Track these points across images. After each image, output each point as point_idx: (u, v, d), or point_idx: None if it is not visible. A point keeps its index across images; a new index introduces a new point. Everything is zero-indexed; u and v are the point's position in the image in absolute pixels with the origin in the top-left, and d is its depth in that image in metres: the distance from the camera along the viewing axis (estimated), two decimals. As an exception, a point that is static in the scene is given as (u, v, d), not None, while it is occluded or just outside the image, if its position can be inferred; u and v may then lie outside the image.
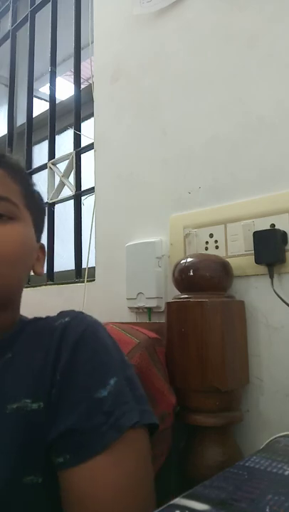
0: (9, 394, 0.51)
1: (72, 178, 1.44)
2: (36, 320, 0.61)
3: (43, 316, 0.62)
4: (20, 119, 1.88)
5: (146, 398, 0.55)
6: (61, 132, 1.65)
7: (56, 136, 1.60)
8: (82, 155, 1.44)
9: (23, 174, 0.62)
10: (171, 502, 0.34)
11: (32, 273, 0.62)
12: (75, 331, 0.54)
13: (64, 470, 0.47)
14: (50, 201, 1.50)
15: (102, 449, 0.46)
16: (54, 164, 1.53)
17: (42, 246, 0.66)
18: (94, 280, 1.16)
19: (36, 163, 1.67)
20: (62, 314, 0.60)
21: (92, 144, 1.26)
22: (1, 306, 0.56)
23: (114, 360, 0.54)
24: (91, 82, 1.28)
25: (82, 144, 1.43)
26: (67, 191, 1.46)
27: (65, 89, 1.88)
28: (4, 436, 0.49)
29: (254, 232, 0.81)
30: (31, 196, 0.61)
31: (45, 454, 0.49)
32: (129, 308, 1.02)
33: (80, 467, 0.46)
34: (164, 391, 0.74)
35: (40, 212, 0.65)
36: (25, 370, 0.53)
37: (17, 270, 0.54)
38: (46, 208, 0.69)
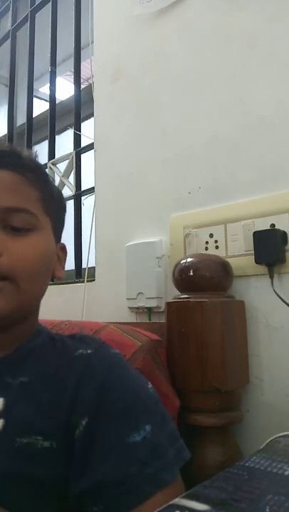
0: (20, 426, 0.48)
1: (72, 178, 1.44)
2: (54, 339, 0.58)
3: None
4: (20, 119, 1.88)
5: (177, 433, 0.53)
6: (61, 132, 1.65)
7: (56, 136, 1.60)
8: (82, 155, 1.44)
9: (41, 175, 0.58)
10: (171, 502, 0.34)
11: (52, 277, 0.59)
12: (100, 368, 0.51)
13: None
14: (50, 201, 1.50)
15: (136, 504, 0.43)
16: (54, 164, 1.53)
17: (62, 246, 0.64)
18: (94, 280, 1.16)
19: (36, 163, 1.67)
20: (82, 340, 0.57)
21: (92, 144, 1.26)
22: (20, 320, 0.54)
23: (143, 399, 0.51)
24: (91, 82, 1.28)
25: (82, 144, 1.43)
26: (68, 191, 1.46)
27: (65, 89, 1.88)
28: (11, 471, 0.46)
29: (254, 232, 0.81)
30: (50, 198, 0.58)
31: (58, 493, 0.46)
32: (129, 308, 1.02)
33: None
34: (168, 394, 0.74)
35: (60, 212, 0.62)
36: (40, 402, 0.49)
37: (37, 284, 0.53)
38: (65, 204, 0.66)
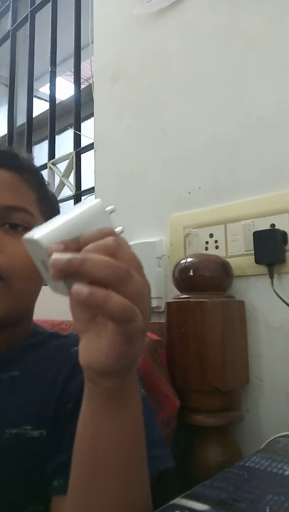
0: (10, 417, 0.49)
1: (72, 178, 1.44)
2: (52, 338, 0.59)
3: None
4: (20, 119, 1.88)
5: (163, 440, 0.52)
6: (61, 132, 1.65)
7: (56, 136, 1.60)
8: (82, 155, 1.44)
9: (39, 178, 0.59)
10: (172, 502, 0.34)
11: None
12: None
13: (56, 495, 0.45)
14: (50, 201, 1.50)
15: None
16: (54, 164, 1.53)
17: None
18: (94, 280, 1.16)
19: (36, 163, 1.65)
20: (75, 337, 0.57)
21: (92, 144, 1.26)
22: (14, 321, 0.54)
23: None
24: (91, 82, 1.28)
25: (82, 144, 1.43)
26: (68, 191, 1.46)
27: (65, 89, 1.88)
28: (0, 463, 0.47)
29: (254, 232, 0.81)
30: (46, 201, 0.59)
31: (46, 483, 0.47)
32: (129, 308, 1.02)
33: None
34: (168, 394, 0.74)
35: (55, 215, 0.62)
36: (30, 393, 0.50)
37: (32, 284, 0.53)
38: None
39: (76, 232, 0.34)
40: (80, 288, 0.31)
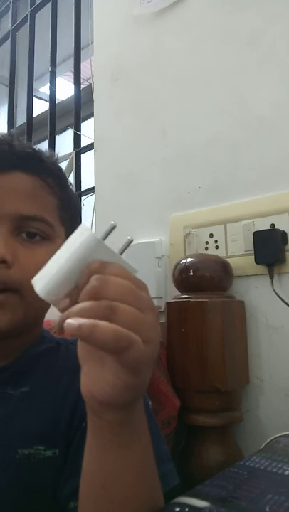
0: (22, 436, 0.47)
1: (72, 178, 1.44)
2: (60, 346, 0.56)
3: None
4: (20, 119, 1.88)
5: (169, 455, 0.51)
6: (61, 132, 1.65)
7: (56, 136, 1.60)
8: (82, 155, 1.44)
9: (62, 181, 0.54)
10: (173, 501, 0.34)
11: None
12: None
13: None
14: (50, 201, 1.50)
15: None
16: (54, 164, 1.53)
17: None
18: (94, 280, 1.16)
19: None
20: None
21: (92, 144, 1.26)
22: (24, 331, 0.52)
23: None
24: (91, 82, 1.28)
25: (82, 144, 1.43)
26: (67, 191, 1.46)
27: (65, 89, 1.88)
28: (10, 482, 0.45)
29: (254, 232, 0.81)
30: (68, 206, 0.54)
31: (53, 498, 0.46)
32: (129, 308, 1.02)
33: None
34: (168, 394, 0.74)
35: (76, 220, 0.58)
36: (41, 411, 0.49)
37: None
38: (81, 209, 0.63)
39: (74, 274, 0.34)
40: (70, 322, 0.30)
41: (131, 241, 0.38)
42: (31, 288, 0.46)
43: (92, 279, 0.32)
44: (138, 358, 0.31)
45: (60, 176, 0.55)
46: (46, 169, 0.52)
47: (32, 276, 0.46)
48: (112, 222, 0.37)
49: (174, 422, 0.74)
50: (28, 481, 0.46)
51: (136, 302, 0.33)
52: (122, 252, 0.37)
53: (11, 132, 0.53)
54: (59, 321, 0.33)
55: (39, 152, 0.53)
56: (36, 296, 0.47)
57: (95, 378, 0.34)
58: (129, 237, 0.38)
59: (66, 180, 0.57)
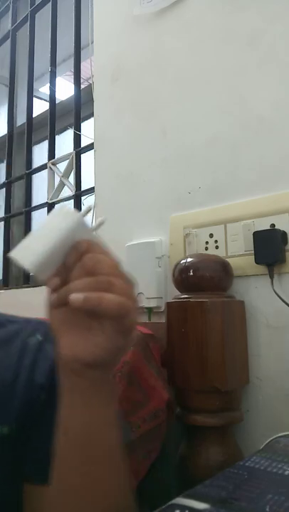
0: None
1: (72, 178, 1.44)
2: (7, 323, 0.57)
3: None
4: (20, 119, 1.88)
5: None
6: (61, 132, 1.65)
7: (56, 136, 1.60)
8: (82, 155, 1.43)
9: None
10: (172, 501, 0.34)
11: None
12: (52, 352, 0.47)
13: (35, 485, 0.46)
14: (50, 201, 1.50)
15: None
16: (54, 164, 1.53)
17: None
18: (94, 280, 1.16)
19: (36, 163, 1.67)
20: (32, 326, 0.56)
21: (92, 144, 1.26)
22: None
23: None
24: (91, 82, 1.28)
25: (82, 144, 1.43)
26: (68, 191, 1.46)
27: (65, 89, 1.88)
28: None
29: (254, 232, 0.81)
30: None
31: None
32: (129, 308, 1.02)
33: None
34: (156, 387, 0.75)
35: None
36: None
37: None
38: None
39: (61, 252, 0.38)
40: (76, 296, 0.36)
41: (103, 222, 0.43)
42: None
43: (87, 258, 0.38)
44: (133, 322, 0.39)
45: None
46: None
47: None
48: (101, 219, 0.43)
49: (162, 414, 0.75)
50: None
51: (122, 276, 0.39)
52: (94, 230, 0.42)
53: None
54: (61, 295, 0.38)
55: None
56: None
57: (81, 343, 0.39)
58: (101, 218, 0.43)
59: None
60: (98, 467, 0.42)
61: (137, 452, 0.72)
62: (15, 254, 0.37)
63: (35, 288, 1.44)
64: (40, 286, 1.41)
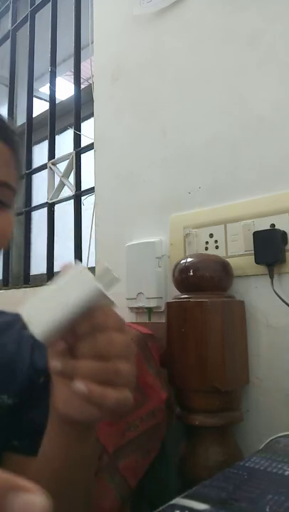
0: None
1: (72, 178, 1.44)
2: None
3: None
4: (20, 119, 1.88)
5: None
6: (61, 132, 1.65)
7: (56, 136, 1.60)
8: (82, 155, 1.43)
9: (21, 151, 0.57)
10: (172, 502, 0.34)
11: None
12: None
13: (16, 454, 0.50)
14: (50, 201, 1.50)
15: None
16: (54, 164, 1.53)
17: None
18: (94, 280, 1.16)
19: (36, 163, 1.67)
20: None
21: (92, 144, 1.26)
22: None
23: None
24: (91, 82, 1.28)
25: (82, 144, 1.43)
26: (67, 191, 1.46)
27: (65, 89, 1.88)
28: None
29: (254, 232, 0.81)
30: (20, 174, 0.57)
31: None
32: (129, 308, 1.02)
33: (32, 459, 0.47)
34: (154, 387, 0.75)
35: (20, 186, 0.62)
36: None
37: None
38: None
39: (72, 319, 0.36)
40: (81, 387, 0.35)
41: (118, 281, 0.38)
42: None
43: (100, 338, 0.36)
44: (126, 410, 0.37)
45: (21, 146, 0.57)
46: (15, 140, 0.54)
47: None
48: (106, 265, 0.38)
49: (160, 414, 0.75)
50: None
51: (130, 356, 0.38)
52: (108, 289, 0.37)
53: None
54: (66, 370, 0.37)
55: (10, 124, 0.55)
56: None
57: (76, 403, 0.37)
58: (106, 265, 0.38)
59: (21, 148, 0.60)
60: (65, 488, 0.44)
61: (136, 452, 0.72)
62: (25, 313, 0.36)
63: (35, 288, 1.43)
64: (41, 286, 1.41)
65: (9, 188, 0.51)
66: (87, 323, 0.36)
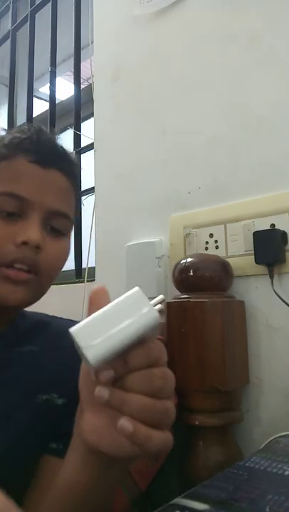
0: (40, 385, 0.54)
1: (72, 178, 1.44)
2: (52, 319, 0.63)
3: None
4: (20, 119, 1.88)
5: None
6: (61, 132, 1.65)
7: (56, 136, 1.59)
8: (82, 155, 1.43)
9: (79, 182, 0.62)
10: (172, 502, 0.34)
11: None
12: None
13: (52, 456, 0.51)
14: (50, 201, 1.50)
15: None
16: (54, 164, 1.53)
17: None
18: (94, 280, 1.16)
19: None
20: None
21: (92, 144, 1.26)
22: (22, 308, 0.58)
23: None
24: (91, 82, 1.28)
25: (82, 144, 1.43)
26: (67, 191, 1.46)
27: (65, 89, 1.88)
28: (30, 424, 0.51)
29: (254, 232, 0.81)
30: (78, 204, 0.61)
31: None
32: (129, 308, 1.02)
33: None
34: None
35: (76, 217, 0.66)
36: (54, 367, 0.56)
37: (51, 283, 0.57)
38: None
39: (127, 347, 0.33)
40: (126, 425, 0.32)
41: (163, 300, 0.37)
42: (49, 275, 0.53)
43: (156, 376, 0.34)
44: (166, 452, 0.34)
45: (79, 178, 0.61)
46: (73, 171, 0.57)
47: (52, 266, 0.52)
48: (161, 297, 0.36)
49: None
50: (43, 425, 0.52)
51: (173, 394, 0.36)
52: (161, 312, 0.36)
53: (38, 126, 0.57)
54: (113, 401, 0.34)
55: (71, 155, 0.58)
56: (49, 283, 0.54)
57: (107, 433, 0.35)
58: (160, 297, 0.37)
59: (80, 181, 0.64)
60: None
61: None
62: (78, 335, 0.33)
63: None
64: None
65: (66, 218, 0.54)
66: (143, 355, 0.34)
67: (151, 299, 0.36)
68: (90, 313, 0.34)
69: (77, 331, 0.33)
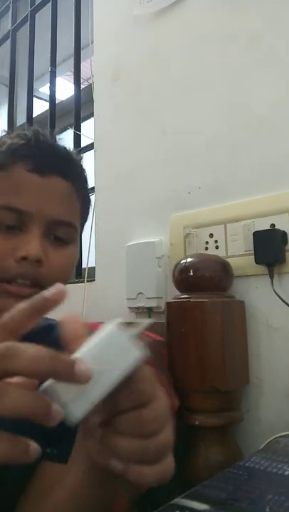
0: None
1: (72, 178, 1.44)
2: (49, 329, 0.60)
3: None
4: (20, 119, 1.88)
5: None
6: (61, 132, 1.65)
7: (56, 136, 1.59)
8: (82, 155, 1.43)
9: (85, 184, 0.58)
10: (172, 502, 0.34)
11: None
12: None
13: (47, 461, 0.48)
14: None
15: None
16: (54, 164, 1.53)
17: None
18: (94, 280, 1.16)
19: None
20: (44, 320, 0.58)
21: (92, 143, 1.26)
22: None
23: None
24: (91, 82, 1.28)
25: (82, 144, 1.43)
26: (67, 191, 1.46)
27: (65, 89, 1.88)
28: (29, 429, 0.49)
29: (254, 232, 0.81)
30: (87, 209, 0.58)
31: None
32: (129, 308, 1.02)
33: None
34: (168, 394, 0.74)
35: (86, 220, 0.63)
36: None
37: None
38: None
39: (110, 391, 0.31)
40: (116, 464, 0.32)
41: (152, 323, 0.35)
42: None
43: (146, 417, 0.33)
44: (168, 478, 0.33)
45: (86, 180, 0.59)
46: (75, 173, 0.55)
47: (56, 277, 0.48)
48: (150, 321, 0.35)
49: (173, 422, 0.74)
50: (38, 431, 0.50)
51: (169, 420, 0.35)
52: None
53: (36, 130, 0.55)
54: (106, 440, 0.33)
55: (72, 155, 0.56)
56: None
57: (106, 456, 0.34)
58: (149, 321, 0.35)
59: (87, 182, 0.60)
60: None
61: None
62: (55, 391, 0.30)
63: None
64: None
65: (70, 226, 0.52)
66: (129, 398, 0.33)
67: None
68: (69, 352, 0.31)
69: (55, 387, 0.29)
